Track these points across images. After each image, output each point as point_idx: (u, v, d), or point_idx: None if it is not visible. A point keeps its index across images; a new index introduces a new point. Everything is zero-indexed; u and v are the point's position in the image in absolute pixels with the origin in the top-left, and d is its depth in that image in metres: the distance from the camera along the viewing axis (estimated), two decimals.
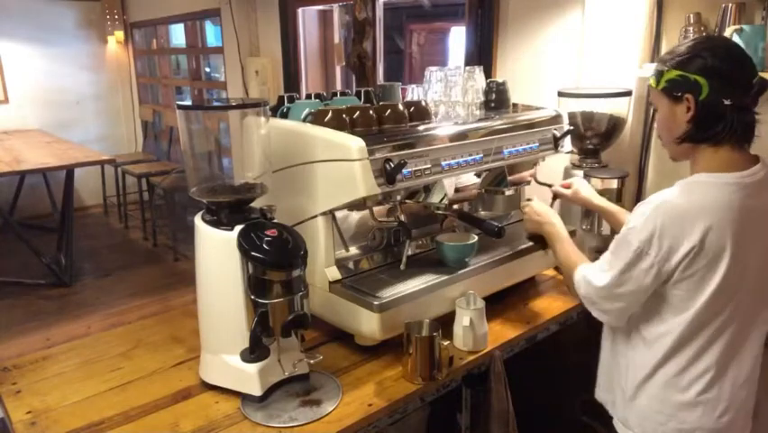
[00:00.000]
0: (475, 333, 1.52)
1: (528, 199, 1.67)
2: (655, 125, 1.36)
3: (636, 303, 1.24)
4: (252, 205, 1.40)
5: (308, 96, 1.74)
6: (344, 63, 3.71)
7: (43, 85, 5.73)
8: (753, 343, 1.25)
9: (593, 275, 1.29)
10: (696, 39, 1.24)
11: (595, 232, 1.94)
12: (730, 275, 1.15)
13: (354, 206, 1.52)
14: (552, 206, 1.91)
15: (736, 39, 1.74)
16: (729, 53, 1.17)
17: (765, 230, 1.19)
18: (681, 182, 1.20)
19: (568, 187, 1.73)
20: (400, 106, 1.61)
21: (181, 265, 4.47)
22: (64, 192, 4.27)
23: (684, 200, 1.16)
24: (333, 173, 1.43)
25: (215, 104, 1.67)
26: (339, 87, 4.08)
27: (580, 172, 1.99)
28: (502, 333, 1.63)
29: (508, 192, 1.84)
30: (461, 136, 1.59)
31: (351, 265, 1.60)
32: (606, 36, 2.13)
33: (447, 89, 1.78)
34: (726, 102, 1.14)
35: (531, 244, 1.76)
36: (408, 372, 1.41)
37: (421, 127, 1.59)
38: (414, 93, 1.80)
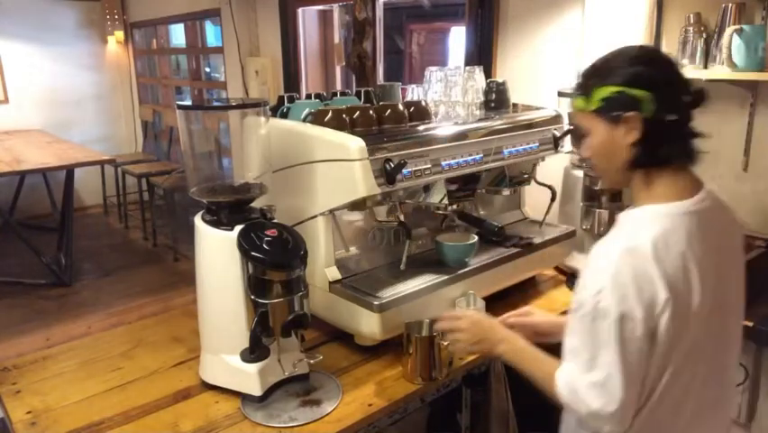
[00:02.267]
0: None
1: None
2: (581, 152, 1.12)
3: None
4: (252, 205, 1.40)
5: (308, 96, 1.74)
6: (344, 63, 3.71)
7: (43, 85, 5.72)
8: (725, 390, 1.11)
9: (589, 393, 0.99)
10: (623, 48, 1.06)
11: (595, 232, 1.94)
12: (699, 318, 0.98)
13: (354, 206, 1.52)
14: (549, 207, 1.92)
15: (735, 39, 1.75)
16: (667, 61, 1.03)
17: (721, 265, 1.04)
18: (632, 219, 1.04)
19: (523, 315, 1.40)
20: (400, 106, 1.61)
21: (181, 265, 4.47)
22: (64, 192, 4.27)
23: (646, 240, 0.97)
24: (333, 173, 1.43)
25: (215, 104, 1.67)
26: (339, 87, 4.08)
27: (579, 172, 1.99)
28: None
29: (507, 192, 1.84)
30: (461, 136, 1.59)
31: (351, 265, 1.60)
32: (606, 36, 2.13)
33: (447, 89, 1.78)
34: (671, 117, 0.98)
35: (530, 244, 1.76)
36: (408, 372, 1.41)
37: (421, 127, 1.59)
38: (414, 93, 1.80)
